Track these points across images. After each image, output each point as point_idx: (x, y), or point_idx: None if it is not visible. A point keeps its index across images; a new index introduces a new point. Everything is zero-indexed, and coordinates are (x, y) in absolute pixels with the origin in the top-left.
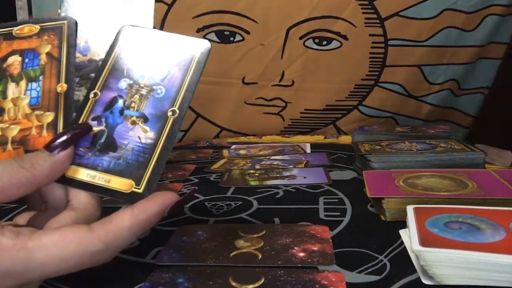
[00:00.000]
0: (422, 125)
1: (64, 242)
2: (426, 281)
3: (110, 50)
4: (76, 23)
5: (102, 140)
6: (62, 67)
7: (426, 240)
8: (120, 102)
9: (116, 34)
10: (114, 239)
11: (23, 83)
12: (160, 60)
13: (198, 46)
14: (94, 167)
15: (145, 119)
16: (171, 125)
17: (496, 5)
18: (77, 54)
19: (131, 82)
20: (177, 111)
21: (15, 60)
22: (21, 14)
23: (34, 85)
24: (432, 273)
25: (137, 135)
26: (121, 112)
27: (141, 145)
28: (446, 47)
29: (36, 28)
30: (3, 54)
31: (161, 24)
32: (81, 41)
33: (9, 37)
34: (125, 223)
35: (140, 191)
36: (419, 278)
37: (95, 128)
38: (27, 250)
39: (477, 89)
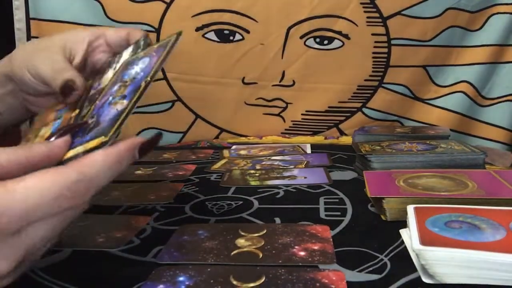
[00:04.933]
0: (422, 126)
1: (41, 177)
2: (426, 280)
3: (112, 77)
4: None
5: (91, 126)
6: (79, 100)
7: (427, 239)
8: (110, 98)
9: (119, 67)
10: (89, 170)
11: (51, 123)
12: (144, 60)
13: (173, 35)
14: (79, 144)
15: (124, 97)
16: (142, 89)
17: (501, 4)
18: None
19: (121, 83)
20: (149, 79)
21: (51, 115)
22: (18, 14)
23: (58, 120)
24: (433, 272)
25: (116, 108)
26: (110, 103)
27: (117, 112)
28: (452, 47)
29: None
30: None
31: (159, 23)
32: (95, 83)
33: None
34: (97, 156)
35: (107, 139)
36: (419, 277)
37: (90, 121)
38: (6, 189)
39: (507, 97)
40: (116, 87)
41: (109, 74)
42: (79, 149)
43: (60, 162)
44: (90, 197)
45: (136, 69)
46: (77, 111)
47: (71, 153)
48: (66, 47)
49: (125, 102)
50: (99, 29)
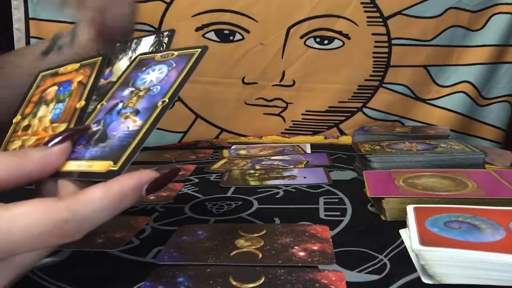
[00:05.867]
0: (422, 125)
1: (29, 209)
2: (426, 280)
3: (123, 72)
4: (107, 56)
5: (97, 136)
6: (86, 89)
7: (426, 239)
8: (120, 105)
9: (131, 62)
10: (82, 209)
11: (52, 104)
12: (161, 67)
13: (197, 48)
14: (81, 158)
15: (137, 112)
16: (158, 112)
17: (502, 4)
18: (101, 80)
19: (133, 89)
20: (167, 100)
21: (52, 89)
22: (17, 14)
23: (60, 105)
24: (432, 272)
25: (127, 126)
26: (119, 112)
27: (128, 132)
28: (453, 47)
29: (77, 65)
30: (46, 86)
31: (159, 23)
32: (106, 70)
33: (55, 74)
34: (96, 193)
35: (116, 168)
36: (419, 277)
37: (94, 129)
38: None
39: (503, 97)
40: (127, 92)
41: (122, 63)
42: (82, 165)
43: (57, 173)
44: (82, 235)
45: (152, 77)
46: (82, 102)
47: (72, 165)
48: None
49: (138, 121)
50: None
